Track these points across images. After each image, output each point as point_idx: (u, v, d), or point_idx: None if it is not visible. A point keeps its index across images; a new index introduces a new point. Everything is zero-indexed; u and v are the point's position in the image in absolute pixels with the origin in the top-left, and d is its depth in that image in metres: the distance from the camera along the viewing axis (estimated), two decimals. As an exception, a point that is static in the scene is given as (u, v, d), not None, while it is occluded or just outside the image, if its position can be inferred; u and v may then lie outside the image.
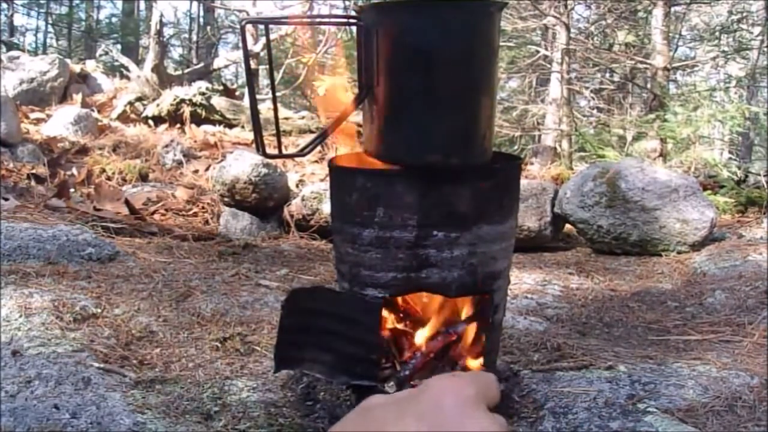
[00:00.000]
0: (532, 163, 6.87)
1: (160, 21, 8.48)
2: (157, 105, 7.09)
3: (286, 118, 7.04)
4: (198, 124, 6.94)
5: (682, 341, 2.33)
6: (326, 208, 4.03)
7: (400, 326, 1.71)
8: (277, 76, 8.76)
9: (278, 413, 1.69)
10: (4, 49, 10.73)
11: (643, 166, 4.14)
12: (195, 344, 2.09)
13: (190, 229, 4.11)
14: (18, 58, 7.94)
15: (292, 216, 4.19)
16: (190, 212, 4.63)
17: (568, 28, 7.60)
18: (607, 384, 1.81)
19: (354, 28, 1.55)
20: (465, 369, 1.68)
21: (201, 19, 16.78)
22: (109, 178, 5.25)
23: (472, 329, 1.69)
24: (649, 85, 8.08)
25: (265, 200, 4.08)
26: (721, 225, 4.66)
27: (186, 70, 10.43)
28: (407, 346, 1.70)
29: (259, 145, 1.55)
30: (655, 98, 7.39)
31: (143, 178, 5.45)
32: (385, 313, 1.64)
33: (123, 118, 7.19)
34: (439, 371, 1.69)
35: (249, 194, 4.03)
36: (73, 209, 3.94)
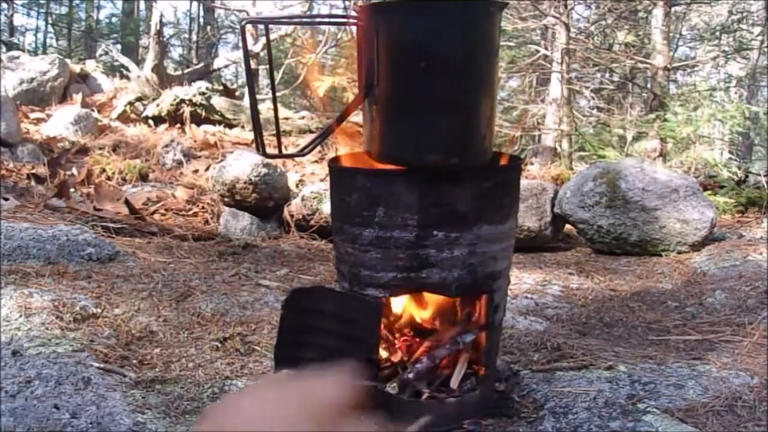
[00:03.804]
0: (532, 163, 6.87)
1: (160, 21, 8.48)
2: (157, 105, 7.09)
3: (286, 118, 7.04)
4: (198, 124, 6.94)
5: (682, 341, 2.33)
6: (326, 208, 4.03)
7: (396, 325, 1.71)
8: (277, 76, 8.76)
9: (278, 413, 1.69)
10: (4, 49, 10.73)
11: (643, 166, 4.14)
12: (195, 344, 2.09)
13: (190, 229, 4.11)
14: (18, 58, 7.94)
15: (292, 216, 4.19)
16: (190, 212, 4.62)
17: (568, 28, 7.60)
18: (607, 384, 1.80)
19: (354, 28, 1.55)
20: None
21: (201, 19, 16.77)
22: (109, 178, 5.24)
23: (481, 338, 1.67)
24: (649, 85, 8.08)
25: (265, 200, 4.08)
26: (721, 225, 4.66)
27: (186, 70, 10.43)
28: (413, 349, 1.69)
29: (259, 145, 1.55)
30: (655, 98, 7.38)
31: (143, 178, 5.45)
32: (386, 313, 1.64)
33: (123, 118, 7.19)
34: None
35: (249, 194, 4.03)
36: (73, 209, 3.94)
